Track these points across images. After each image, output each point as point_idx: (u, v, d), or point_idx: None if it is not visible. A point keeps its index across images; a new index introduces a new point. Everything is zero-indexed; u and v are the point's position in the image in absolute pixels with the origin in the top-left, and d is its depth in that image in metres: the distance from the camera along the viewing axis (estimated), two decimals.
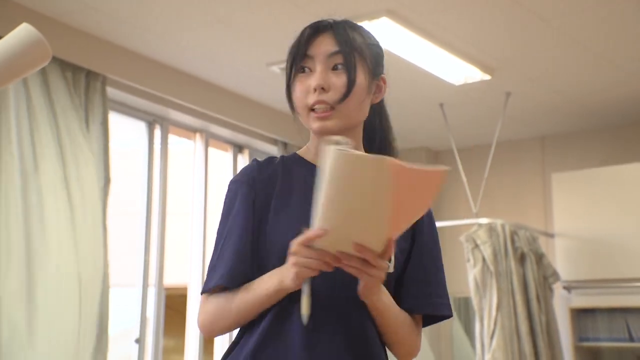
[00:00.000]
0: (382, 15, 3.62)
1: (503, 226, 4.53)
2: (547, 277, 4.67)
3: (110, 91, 3.97)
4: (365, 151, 1.44)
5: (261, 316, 1.30)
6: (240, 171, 1.42)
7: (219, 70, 4.34)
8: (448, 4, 3.58)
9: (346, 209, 1.13)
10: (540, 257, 4.68)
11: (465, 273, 4.57)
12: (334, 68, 1.34)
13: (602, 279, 4.79)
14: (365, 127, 1.43)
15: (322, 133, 1.34)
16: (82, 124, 3.69)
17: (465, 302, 5.41)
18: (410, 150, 5.82)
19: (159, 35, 3.78)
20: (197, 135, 4.81)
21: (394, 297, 1.36)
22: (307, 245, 1.18)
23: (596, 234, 4.79)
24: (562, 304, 4.88)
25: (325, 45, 1.35)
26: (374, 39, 1.43)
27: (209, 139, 4.84)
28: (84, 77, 3.76)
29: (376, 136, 1.47)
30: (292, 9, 3.57)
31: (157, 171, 4.38)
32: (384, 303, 1.31)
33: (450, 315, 1.41)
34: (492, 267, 4.39)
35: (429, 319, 1.43)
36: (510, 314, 4.38)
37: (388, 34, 3.80)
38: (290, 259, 1.21)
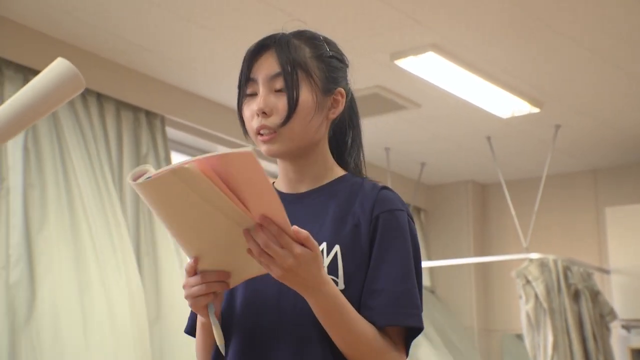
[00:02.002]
0: (428, 49, 3.64)
1: (555, 262, 4.42)
2: (603, 316, 4.52)
3: (168, 130, 4.10)
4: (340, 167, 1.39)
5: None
6: None
7: None
8: (493, 36, 3.58)
9: (191, 228, 1.11)
10: (595, 294, 4.55)
11: (517, 309, 4.46)
12: (278, 90, 1.29)
13: None
14: (334, 145, 1.39)
15: (271, 156, 1.33)
16: (145, 162, 3.80)
17: (518, 339, 5.27)
18: (457, 183, 5.77)
19: (213, 76, 3.87)
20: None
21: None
22: (191, 275, 1.19)
23: None
24: (620, 344, 4.72)
25: (266, 67, 1.30)
26: (331, 49, 1.36)
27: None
28: (144, 117, 3.89)
29: (349, 155, 1.40)
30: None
31: None
32: (325, 297, 1.18)
33: (418, 327, 1.25)
34: (545, 304, 4.28)
35: (403, 335, 1.27)
36: (567, 353, 4.25)
37: (434, 68, 3.81)
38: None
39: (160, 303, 3.65)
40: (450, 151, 5.16)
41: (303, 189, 1.35)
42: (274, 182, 1.41)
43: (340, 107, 1.35)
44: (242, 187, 1.07)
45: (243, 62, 1.33)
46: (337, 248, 1.26)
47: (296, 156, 1.33)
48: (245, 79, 1.32)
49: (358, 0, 3.27)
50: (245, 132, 1.34)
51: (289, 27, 1.40)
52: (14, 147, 3.31)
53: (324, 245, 1.27)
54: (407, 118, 4.59)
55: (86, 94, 3.67)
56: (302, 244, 1.14)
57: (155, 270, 3.70)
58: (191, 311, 1.33)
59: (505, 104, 4.28)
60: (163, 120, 4.01)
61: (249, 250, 1.13)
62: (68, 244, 3.33)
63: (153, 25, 3.45)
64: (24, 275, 3.16)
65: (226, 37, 3.46)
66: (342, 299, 1.21)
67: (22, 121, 0.95)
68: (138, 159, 3.80)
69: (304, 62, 1.31)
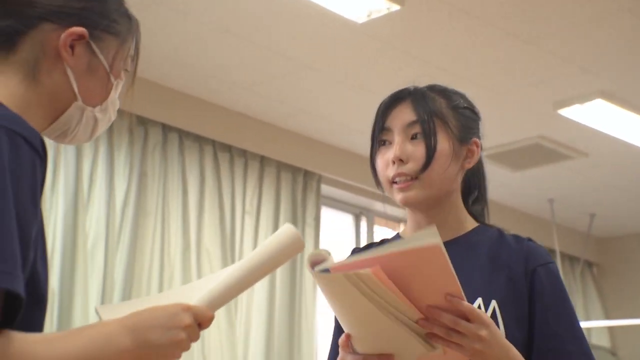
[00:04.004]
0: (596, 97, 3.49)
1: None
2: None
3: (324, 188, 4.22)
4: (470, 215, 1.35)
5: None
6: None
7: None
8: None
9: (355, 321, 1.09)
10: None
11: None
12: (413, 137, 1.28)
13: None
14: (466, 194, 1.35)
15: (406, 204, 1.29)
16: (299, 220, 3.94)
17: None
18: (633, 235, 5.37)
19: (367, 134, 3.95)
20: (401, 225, 4.87)
21: None
22: (347, 352, 1.13)
23: None
24: None
25: (402, 116, 1.29)
26: (465, 101, 1.35)
27: None
28: (301, 177, 4.04)
29: (478, 205, 1.37)
30: (494, 96, 3.55)
31: None
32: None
33: None
34: None
35: None
36: None
37: (602, 115, 3.65)
38: None
39: None
40: (623, 201, 4.84)
41: None
42: (399, 232, 1.40)
43: (476, 157, 1.32)
44: (418, 278, 1.04)
45: (377, 113, 1.33)
46: (494, 303, 1.22)
47: (431, 206, 1.29)
48: (380, 129, 1.31)
49: (520, 50, 3.23)
50: (378, 182, 1.33)
51: (444, 80, 1.39)
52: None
53: (479, 300, 1.22)
54: (572, 168, 4.39)
55: (249, 157, 3.86)
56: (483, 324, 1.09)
57: None
58: (334, 344, 1.29)
59: None
60: (320, 179, 4.13)
61: (431, 335, 1.08)
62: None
63: (309, 88, 3.61)
64: None
65: (380, 96, 3.54)
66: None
67: (251, 282, 1.01)
68: (294, 217, 3.93)
69: (440, 111, 1.30)
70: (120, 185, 3.40)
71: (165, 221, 3.48)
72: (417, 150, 1.27)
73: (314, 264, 1.05)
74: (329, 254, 1.06)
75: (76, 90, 0.99)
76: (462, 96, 1.36)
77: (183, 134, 3.65)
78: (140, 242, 3.38)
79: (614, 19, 2.99)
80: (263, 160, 3.94)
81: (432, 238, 0.99)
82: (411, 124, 1.28)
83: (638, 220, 5.21)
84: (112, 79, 1.03)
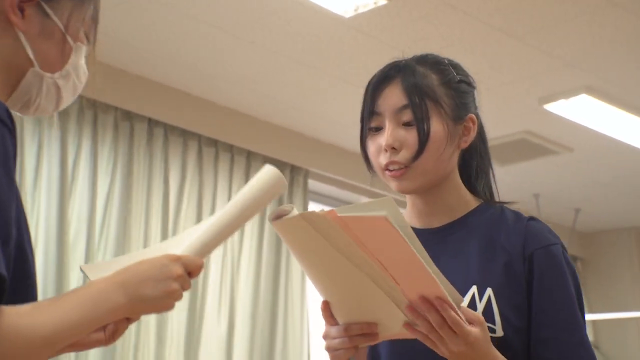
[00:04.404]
0: (581, 92, 3.51)
1: None
2: None
3: (311, 183, 4.21)
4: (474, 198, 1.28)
5: None
6: None
7: None
8: None
9: (326, 276, 1.07)
10: None
11: None
12: (405, 123, 1.20)
13: None
14: (463, 172, 1.28)
15: (402, 192, 1.24)
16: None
17: None
18: (617, 230, 5.41)
19: (355, 129, 3.95)
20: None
21: None
22: (331, 324, 1.11)
23: None
24: None
25: (392, 99, 1.21)
26: (458, 72, 1.26)
27: None
28: (288, 172, 4.02)
29: (478, 182, 1.29)
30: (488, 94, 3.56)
31: None
32: None
33: None
34: None
35: None
36: None
37: (587, 110, 3.66)
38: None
39: None
40: (608, 196, 4.87)
41: (436, 223, 1.25)
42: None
43: (472, 135, 1.25)
44: (381, 250, 1.01)
45: (365, 94, 1.24)
46: (489, 291, 1.16)
47: (428, 191, 1.24)
48: (369, 113, 1.23)
49: (506, 46, 3.23)
50: (370, 167, 1.26)
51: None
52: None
53: (474, 288, 1.16)
54: (558, 163, 4.41)
55: (235, 152, 3.86)
56: (471, 323, 1.05)
57: None
58: None
59: None
60: (307, 174, 4.12)
61: (408, 326, 1.05)
62: None
63: (295, 82, 3.60)
64: None
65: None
66: None
67: (236, 226, 1.00)
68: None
69: (432, 90, 1.21)
70: (104, 179, 3.37)
71: (149, 216, 3.46)
72: (410, 136, 1.20)
73: (276, 217, 1.03)
74: (292, 207, 1.03)
75: (31, 55, 0.93)
76: (456, 66, 1.27)
77: (168, 128, 3.63)
78: (126, 238, 3.37)
79: (600, 14, 3.00)
80: (250, 155, 3.92)
81: (383, 210, 0.96)
82: (402, 108, 1.20)
83: (623, 216, 5.25)
84: (71, 41, 0.96)
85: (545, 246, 1.19)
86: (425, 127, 1.19)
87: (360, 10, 2.94)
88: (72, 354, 3.06)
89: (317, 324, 4.10)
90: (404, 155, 1.20)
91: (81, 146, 3.31)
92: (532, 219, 1.23)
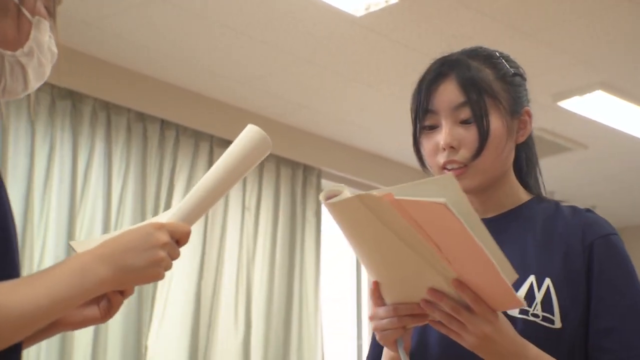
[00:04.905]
0: (596, 88, 3.48)
1: None
2: None
3: (324, 182, 4.21)
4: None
5: None
6: None
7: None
8: None
9: (378, 256, 1.04)
10: None
11: None
12: (463, 120, 1.16)
13: None
14: (516, 169, 1.24)
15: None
16: (299, 216, 3.93)
17: None
18: (634, 227, 5.36)
19: (367, 128, 3.94)
20: None
21: None
22: (379, 305, 1.08)
23: None
24: None
25: (448, 96, 1.17)
26: (511, 65, 1.23)
27: None
28: (301, 172, 4.02)
29: (528, 176, 1.26)
30: None
31: None
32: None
33: None
34: None
35: None
36: None
37: (602, 107, 3.63)
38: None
39: None
40: (623, 193, 4.83)
41: (489, 214, 1.22)
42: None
43: (529, 128, 1.22)
44: (438, 234, 0.98)
45: (419, 92, 1.21)
46: (548, 281, 1.13)
47: (485, 189, 1.20)
48: (424, 111, 1.19)
49: (519, 43, 3.21)
50: (423, 165, 1.23)
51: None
52: None
53: (532, 278, 1.13)
54: (572, 160, 4.37)
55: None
56: None
57: None
58: (374, 340, 1.23)
59: None
60: (319, 173, 4.12)
61: (437, 323, 1.03)
62: None
63: (308, 82, 3.60)
64: None
65: (378, 90, 3.53)
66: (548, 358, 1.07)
67: (222, 189, 0.98)
68: (294, 213, 3.92)
69: (489, 86, 1.18)
70: (117, 180, 3.39)
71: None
72: (469, 135, 1.16)
73: (328, 198, 1.00)
74: (344, 187, 1.00)
75: None
76: (507, 59, 1.24)
77: (180, 129, 3.63)
78: None
79: (613, 10, 2.97)
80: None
81: (443, 191, 0.93)
82: (459, 106, 1.16)
83: (638, 212, 5.20)
84: (28, 15, 0.90)
85: (604, 235, 1.16)
86: (485, 124, 1.16)
87: (372, 9, 2.93)
88: (74, 358, 3.07)
89: (330, 323, 4.10)
90: (463, 155, 1.17)
91: (94, 148, 3.32)
92: (589, 210, 1.21)
